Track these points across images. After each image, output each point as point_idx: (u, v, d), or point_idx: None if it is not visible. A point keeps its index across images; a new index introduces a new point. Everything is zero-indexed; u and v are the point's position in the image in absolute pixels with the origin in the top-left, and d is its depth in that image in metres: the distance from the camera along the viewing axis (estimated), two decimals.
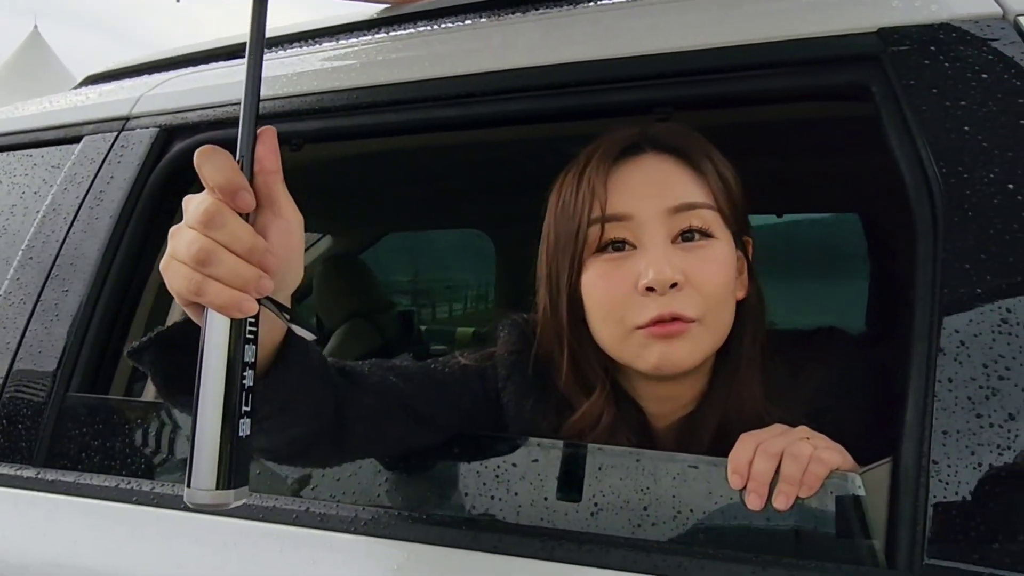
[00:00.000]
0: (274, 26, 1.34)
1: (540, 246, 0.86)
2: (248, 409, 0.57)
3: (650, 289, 0.72)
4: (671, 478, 0.71)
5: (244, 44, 1.39)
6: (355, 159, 1.56)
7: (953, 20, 0.75)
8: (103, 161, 1.18)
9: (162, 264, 0.57)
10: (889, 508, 0.65)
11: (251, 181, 0.58)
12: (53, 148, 1.27)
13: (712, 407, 0.81)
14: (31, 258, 1.16)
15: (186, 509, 0.90)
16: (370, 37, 1.20)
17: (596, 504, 0.74)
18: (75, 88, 1.47)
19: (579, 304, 0.79)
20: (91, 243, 1.12)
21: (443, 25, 1.13)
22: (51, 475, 1.01)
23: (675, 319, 0.72)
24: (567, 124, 1.00)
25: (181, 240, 0.55)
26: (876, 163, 1.36)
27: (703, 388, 0.83)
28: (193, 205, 0.55)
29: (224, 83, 1.19)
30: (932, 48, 0.74)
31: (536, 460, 0.78)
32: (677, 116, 0.89)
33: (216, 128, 1.14)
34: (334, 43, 1.23)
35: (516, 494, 0.77)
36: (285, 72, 1.15)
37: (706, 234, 0.76)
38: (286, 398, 0.64)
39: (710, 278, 0.74)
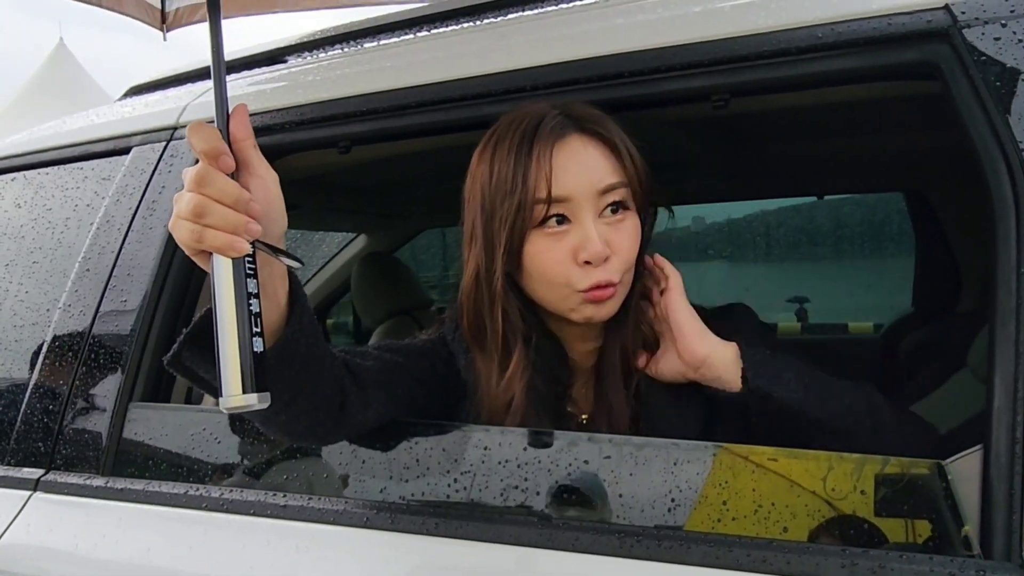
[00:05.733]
0: (309, 30, 1.35)
1: (467, 210, 0.94)
2: (258, 330, 0.66)
3: (587, 262, 0.87)
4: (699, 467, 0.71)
5: (283, 48, 1.39)
6: (393, 158, 1.56)
7: None
8: (153, 171, 1.19)
9: (170, 224, 0.67)
10: (982, 497, 0.63)
11: (229, 148, 0.69)
12: (103, 160, 1.28)
13: (614, 337, 0.97)
14: (88, 270, 1.18)
15: (256, 514, 0.92)
16: (412, 36, 1.20)
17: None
18: (120, 99, 1.49)
19: (517, 267, 0.91)
20: (146, 253, 1.14)
21: (485, 21, 1.12)
22: (120, 483, 1.03)
23: (608, 285, 0.88)
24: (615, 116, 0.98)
25: (182, 201, 0.66)
26: (925, 141, 1.33)
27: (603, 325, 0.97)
28: (188, 173, 0.66)
29: (266, 88, 1.20)
30: (1004, 22, 0.72)
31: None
32: (735, 103, 0.88)
33: (261, 134, 1.14)
34: (375, 43, 1.23)
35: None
36: (329, 76, 1.15)
37: (624, 207, 0.90)
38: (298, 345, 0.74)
39: (628, 248, 0.90)
